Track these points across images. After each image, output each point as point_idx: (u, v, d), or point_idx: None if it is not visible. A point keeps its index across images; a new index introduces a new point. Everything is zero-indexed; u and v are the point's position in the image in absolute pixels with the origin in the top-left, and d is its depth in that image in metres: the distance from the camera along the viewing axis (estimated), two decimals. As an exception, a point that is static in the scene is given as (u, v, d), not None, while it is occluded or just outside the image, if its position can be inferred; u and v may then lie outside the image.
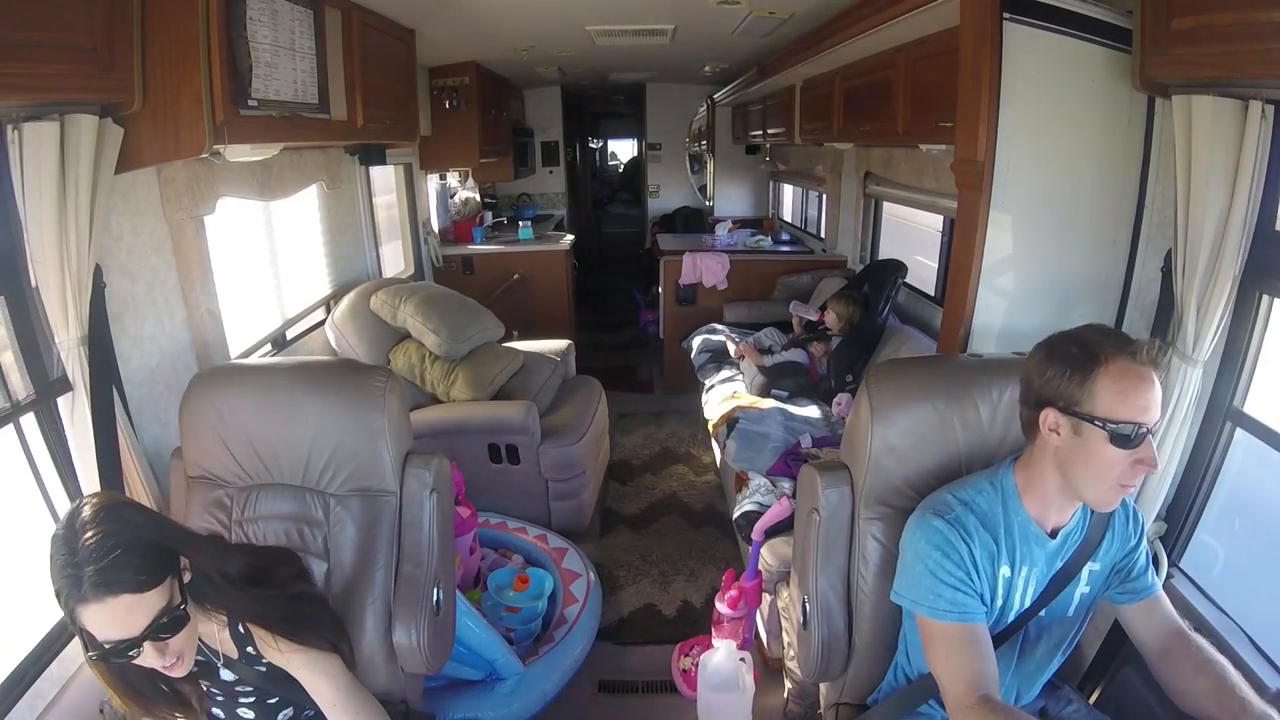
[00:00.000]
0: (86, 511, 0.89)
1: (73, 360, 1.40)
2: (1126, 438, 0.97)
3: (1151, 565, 1.18)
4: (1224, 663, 1.07)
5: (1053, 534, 1.12)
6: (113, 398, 1.46)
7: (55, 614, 1.43)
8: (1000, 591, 1.12)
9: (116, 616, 0.87)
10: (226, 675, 1.12)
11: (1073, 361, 1.00)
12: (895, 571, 1.19)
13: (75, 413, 1.42)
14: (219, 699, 1.16)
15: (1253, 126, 1.22)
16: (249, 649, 1.10)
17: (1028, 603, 1.14)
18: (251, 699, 1.16)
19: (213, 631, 1.08)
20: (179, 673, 0.97)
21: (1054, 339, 1.06)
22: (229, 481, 1.42)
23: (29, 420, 1.43)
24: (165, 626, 0.90)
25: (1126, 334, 1.03)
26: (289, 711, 1.20)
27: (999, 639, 1.13)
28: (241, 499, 1.41)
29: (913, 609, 1.12)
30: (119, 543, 0.86)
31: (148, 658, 0.91)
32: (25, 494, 1.46)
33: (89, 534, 0.86)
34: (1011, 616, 1.14)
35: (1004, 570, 1.11)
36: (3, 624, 1.36)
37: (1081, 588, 1.16)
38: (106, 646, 0.88)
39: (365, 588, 1.35)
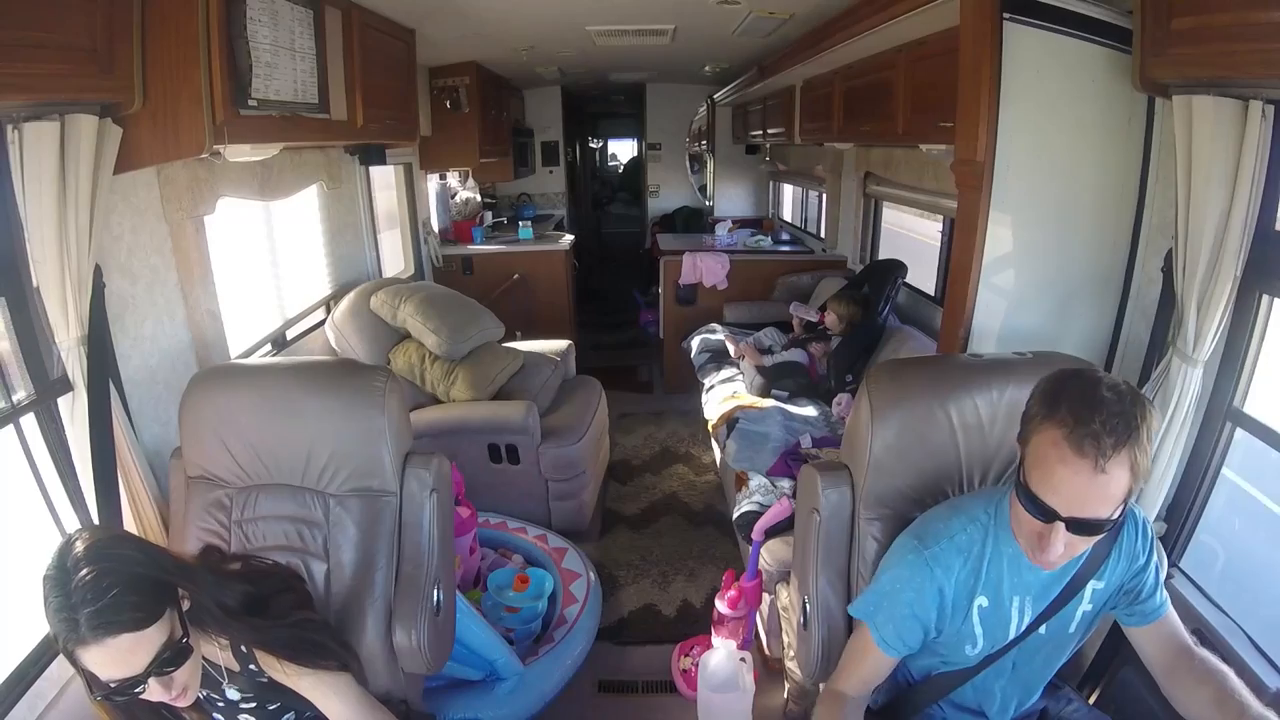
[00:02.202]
0: (78, 548, 0.86)
1: (73, 360, 1.40)
2: (1025, 501, 0.94)
3: (1161, 584, 1.13)
4: (1226, 671, 1.05)
5: None
6: (109, 398, 1.46)
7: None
8: (976, 620, 1.10)
9: (118, 657, 0.84)
10: (231, 693, 1.12)
11: (1038, 400, 0.94)
12: None
13: (75, 413, 1.42)
14: (220, 705, 1.16)
15: (1253, 126, 1.22)
16: (251, 666, 1.09)
17: (1025, 622, 1.11)
18: (252, 704, 1.16)
19: (215, 651, 1.06)
20: (185, 703, 0.95)
21: (1065, 369, 0.98)
22: (229, 482, 1.42)
23: (29, 420, 1.43)
24: (169, 660, 0.88)
25: (1103, 415, 0.87)
26: (290, 716, 1.20)
27: (995, 655, 1.12)
28: (241, 499, 1.41)
29: (859, 616, 1.15)
30: (114, 581, 0.83)
31: (153, 693, 0.89)
32: (25, 494, 1.46)
33: (82, 573, 0.83)
34: (1009, 637, 1.12)
35: (980, 600, 1.09)
36: (3, 623, 1.36)
37: (1084, 605, 1.12)
38: (111, 686, 0.86)
39: (365, 588, 1.35)
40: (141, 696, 0.89)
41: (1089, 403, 0.88)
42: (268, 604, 1.07)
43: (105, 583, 0.83)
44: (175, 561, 0.97)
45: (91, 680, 0.87)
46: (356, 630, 1.34)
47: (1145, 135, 1.61)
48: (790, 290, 3.84)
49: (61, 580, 0.83)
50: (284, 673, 1.07)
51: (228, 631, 1.03)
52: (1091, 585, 1.11)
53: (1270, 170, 1.26)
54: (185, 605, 0.95)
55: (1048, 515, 0.92)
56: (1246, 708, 0.99)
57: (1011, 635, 1.12)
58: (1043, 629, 1.12)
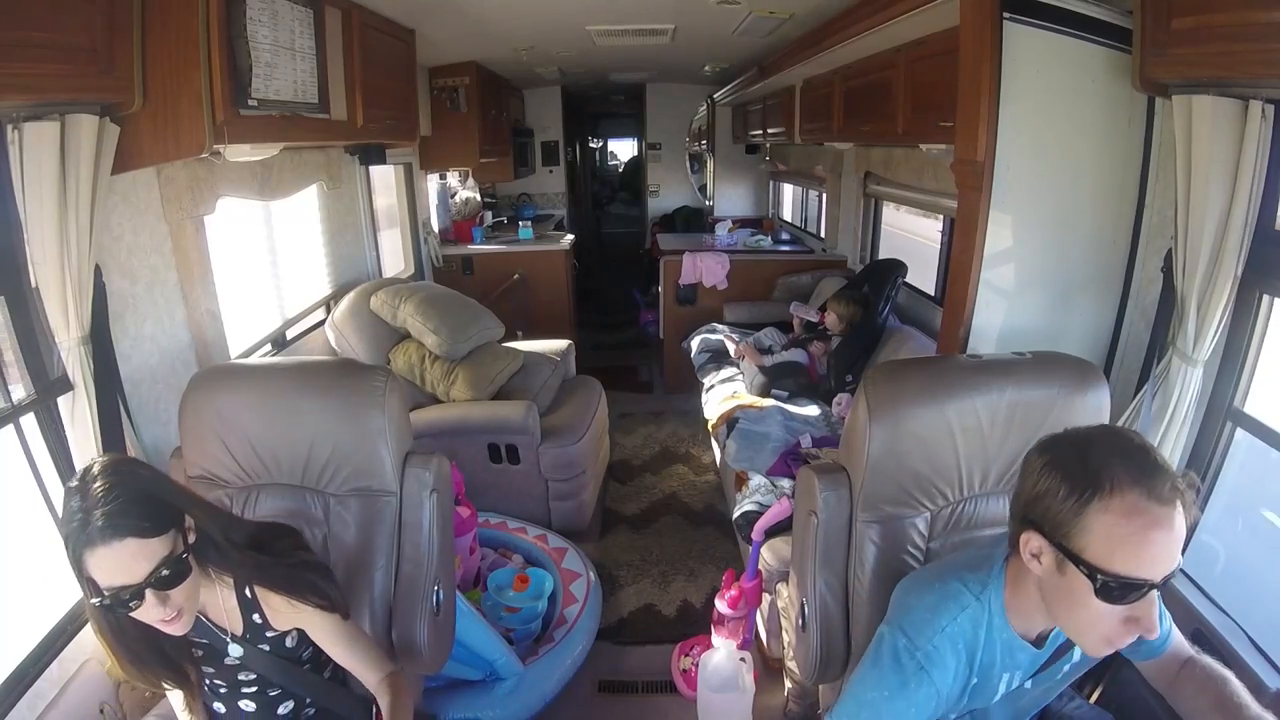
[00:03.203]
0: (96, 466, 0.94)
1: (73, 360, 1.40)
2: (1117, 591, 0.80)
3: (1165, 614, 1.06)
4: (1226, 676, 1.03)
5: (1039, 640, 1.00)
6: (116, 398, 1.47)
7: (55, 614, 1.44)
8: (966, 693, 1.02)
9: (120, 561, 0.90)
10: (233, 656, 1.13)
11: (1072, 479, 0.81)
12: (892, 574, 1.16)
13: (75, 413, 1.42)
14: (221, 690, 1.17)
15: (1253, 126, 1.22)
16: (255, 617, 1.12)
17: (1012, 687, 1.05)
18: (253, 689, 1.18)
19: (219, 602, 1.10)
20: (177, 629, 0.99)
21: (1062, 440, 0.87)
22: (229, 481, 1.42)
23: (29, 420, 1.43)
24: (166, 579, 0.93)
25: (1153, 456, 0.81)
26: (289, 705, 1.21)
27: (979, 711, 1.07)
28: (241, 499, 1.40)
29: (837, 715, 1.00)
30: (125, 491, 0.91)
31: (148, 608, 0.94)
32: (25, 494, 1.46)
33: (99, 483, 0.91)
34: (994, 699, 1.06)
35: (973, 680, 1.01)
36: (3, 624, 1.36)
37: (1073, 660, 1.07)
38: (108, 594, 0.91)
39: (365, 587, 1.35)
40: (136, 613, 0.94)
41: (1131, 453, 0.80)
42: (270, 545, 1.13)
43: (118, 491, 0.91)
44: (187, 492, 1.06)
45: (91, 587, 0.92)
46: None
47: (1145, 135, 1.61)
48: (790, 290, 3.84)
49: (81, 489, 0.91)
50: (287, 609, 1.11)
51: (231, 565, 1.07)
52: (1078, 648, 1.05)
53: (1270, 170, 1.26)
54: (191, 538, 1.01)
55: (1145, 589, 0.80)
56: (1244, 708, 0.98)
57: (996, 698, 1.06)
58: (1029, 684, 1.07)
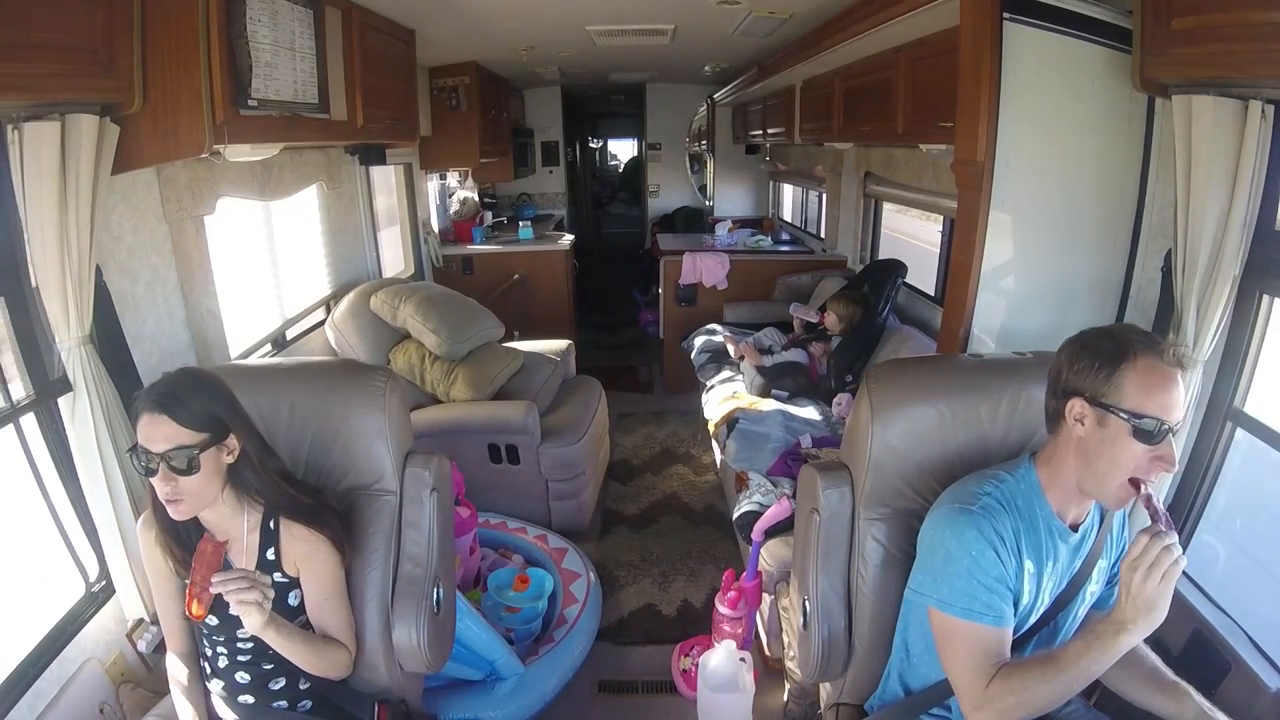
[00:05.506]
0: (182, 369, 1.16)
1: (74, 360, 1.40)
2: (1149, 433, 0.99)
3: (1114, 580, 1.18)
4: (1145, 648, 1.15)
5: (1073, 528, 1.11)
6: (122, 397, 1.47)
7: (55, 614, 1.45)
8: (1028, 587, 1.09)
9: (151, 432, 1.07)
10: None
11: (1103, 354, 1.02)
12: (895, 571, 1.17)
13: (76, 412, 1.42)
14: (221, 662, 1.22)
15: (1253, 126, 1.22)
16: (270, 552, 1.19)
17: (1049, 600, 1.13)
18: (248, 658, 1.21)
19: (242, 532, 1.19)
20: (174, 512, 1.11)
21: (1086, 334, 1.06)
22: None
23: (29, 420, 1.43)
24: (177, 465, 1.07)
25: (1156, 335, 1.05)
26: (281, 682, 1.24)
27: (1022, 640, 1.12)
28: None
29: (943, 609, 1.07)
30: (186, 388, 1.10)
31: (160, 480, 1.09)
32: (25, 494, 1.46)
33: (174, 376, 1.12)
34: (1035, 616, 1.13)
35: (1028, 564, 1.09)
36: (3, 624, 1.36)
37: (1093, 585, 1.15)
38: (138, 450, 1.08)
39: (365, 587, 1.35)
40: (153, 479, 1.09)
41: (1144, 334, 1.04)
42: (298, 483, 1.27)
43: (179, 380, 1.11)
44: (242, 415, 1.18)
45: (133, 439, 1.10)
46: (356, 629, 1.33)
47: (1145, 135, 1.61)
48: (790, 290, 3.83)
49: (164, 376, 1.12)
50: (300, 546, 1.20)
51: (265, 489, 1.18)
52: (1099, 565, 1.15)
53: (1270, 170, 1.27)
54: (229, 459, 1.14)
55: (1162, 430, 0.99)
56: (1159, 671, 1.13)
57: (1040, 608, 1.12)
58: (1060, 613, 1.13)
